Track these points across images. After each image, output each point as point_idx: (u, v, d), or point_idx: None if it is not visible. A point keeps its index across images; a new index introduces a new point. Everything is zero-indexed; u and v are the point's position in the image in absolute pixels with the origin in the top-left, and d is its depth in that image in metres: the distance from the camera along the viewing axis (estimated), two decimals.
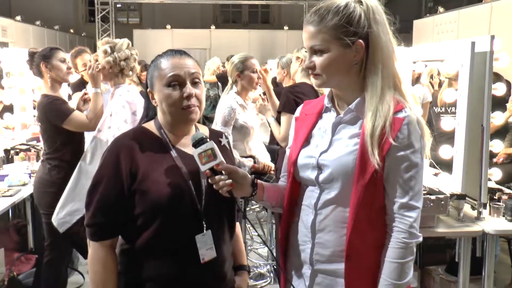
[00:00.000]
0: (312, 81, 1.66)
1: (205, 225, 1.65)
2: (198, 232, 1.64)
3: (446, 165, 3.28)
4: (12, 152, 4.50)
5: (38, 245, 3.97)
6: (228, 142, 1.90)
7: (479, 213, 3.00)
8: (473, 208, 3.09)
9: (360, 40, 1.55)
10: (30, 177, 3.92)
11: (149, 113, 1.80)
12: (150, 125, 1.75)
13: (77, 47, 4.78)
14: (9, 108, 5.11)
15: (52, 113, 3.31)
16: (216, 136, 1.82)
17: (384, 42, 1.56)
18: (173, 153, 1.69)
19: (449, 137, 3.34)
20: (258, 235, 2.13)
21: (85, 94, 3.56)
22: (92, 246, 1.67)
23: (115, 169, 1.62)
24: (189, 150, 1.70)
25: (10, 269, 3.83)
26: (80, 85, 4.59)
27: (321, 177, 1.62)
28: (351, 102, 1.62)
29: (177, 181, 1.64)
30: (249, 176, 1.69)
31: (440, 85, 4.95)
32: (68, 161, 3.32)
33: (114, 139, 1.74)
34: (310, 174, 1.65)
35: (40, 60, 3.40)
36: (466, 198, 3.02)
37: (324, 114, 1.71)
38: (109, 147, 1.70)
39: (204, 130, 1.82)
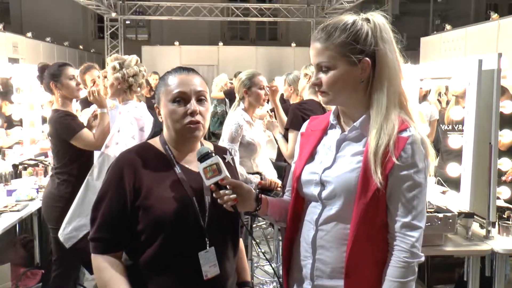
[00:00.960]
0: (319, 98, 1.67)
1: (208, 242, 1.65)
2: (201, 249, 1.64)
3: (453, 183, 3.26)
4: (20, 167, 4.53)
5: (45, 260, 3.97)
6: (233, 159, 1.90)
7: (488, 232, 2.97)
8: (481, 226, 3.06)
9: (367, 58, 1.55)
10: (37, 192, 3.93)
11: (157, 129, 1.81)
12: (155, 141, 1.76)
13: (86, 63, 4.82)
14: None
15: (62, 128, 3.33)
16: (220, 152, 1.82)
17: (390, 60, 1.57)
18: (177, 169, 1.69)
19: (456, 155, 3.32)
20: (263, 252, 2.12)
21: (96, 110, 3.57)
22: (94, 258, 1.67)
23: (118, 185, 1.63)
24: (193, 167, 1.71)
25: (17, 284, 3.83)
26: (88, 101, 4.62)
27: (324, 193, 1.62)
28: (357, 119, 1.62)
29: (181, 197, 1.64)
30: (253, 191, 1.70)
31: (447, 102, 4.94)
32: (77, 176, 3.33)
33: (118, 155, 1.74)
34: (313, 190, 1.65)
35: (50, 79, 3.42)
36: (475, 216, 2.99)
37: (329, 130, 1.71)
38: (113, 163, 1.71)
39: (208, 146, 1.82)
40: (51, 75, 3.43)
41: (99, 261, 1.66)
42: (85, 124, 3.46)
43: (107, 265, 1.64)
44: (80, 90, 3.53)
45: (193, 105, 1.66)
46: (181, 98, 1.66)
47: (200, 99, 1.69)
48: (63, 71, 3.45)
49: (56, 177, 3.41)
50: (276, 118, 4.12)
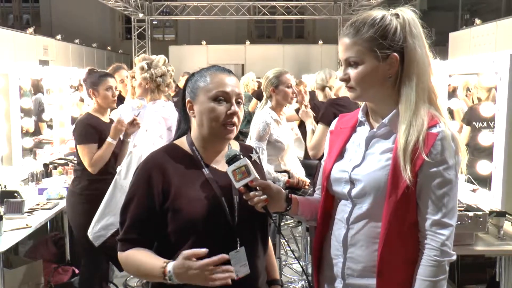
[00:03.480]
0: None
1: (238, 242, 1.65)
2: (231, 249, 1.63)
3: (484, 181, 3.20)
4: (51, 166, 4.62)
5: (75, 257, 4.05)
6: (259, 157, 1.89)
7: None
8: None
9: (395, 54, 1.54)
10: (67, 190, 4.01)
11: (184, 127, 1.80)
12: (182, 142, 1.75)
13: (114, 64, 4.89)
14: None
15: (78, 130, 3.41)
16: (246, 151, 1.82)
17: (419, 56, 1.54)
18: (205, 170, 1.69)
19: (487, 152, 3.26)
20: (292, 250, 2.10)
21: (135, 119, 3.54)
22: (120, 255, 1.67)
23: (147, 187, 1.63)
24: (220, 166, 1.71)
25: (49, 280, 3.90)
26: (117, 100, 4.70)
27: (354, 191, 1.61)
28: (385, 115, 1.60)
29: (210, 198, 1.64)
30: (283, 191, 1.69)
31: (479, 99, 4.85)
32: (91, 175, 3.43)
33: (146, 157, 1.74)
34: (343, 188, 1.64)
35: (89, 86, 3.51)
36: (507, 215, 2.93)
37: (358, 128, 1.70)
38: (141, 165, 1.70)
39: (234, 145, 1.82)
40: (91, 83, 3.50)
41: (123, 254, 1.66)
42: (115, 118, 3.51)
43: (131, 252, 1.63)
44: (115, 101, 3.56)
45: (234, 106, 1.66)
46: (223, 98, 1.65)
47: (238, 101, 1.69)
48: (102, 81, 3.48)
49: (74, 174, 3.55)
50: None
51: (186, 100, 1.72)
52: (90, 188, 3.37)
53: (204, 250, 1.49)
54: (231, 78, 1.70)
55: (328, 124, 3.30)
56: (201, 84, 1.68)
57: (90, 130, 3.41)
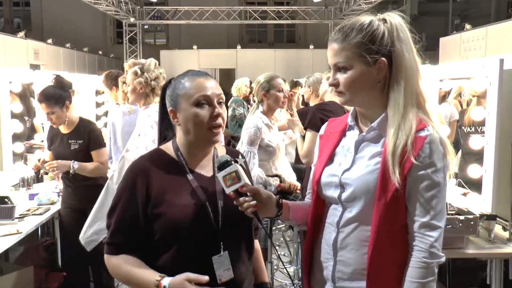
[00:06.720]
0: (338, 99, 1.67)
1: (222, 246, 1.65)
2: (215, 253, 1.64)
3: (475, 185, 3.22)
4: (41, 171, 4.59)
5: (67, 263, 4.02)
6: (245, 162, 1.90)
7: (511, 234, 2.92)
8: (504, 229, 3.02)
9: (383, 58, 1.55)
10: (58, 196, 4.00)
11: (168, 134, 1.81)
12: (168, 147, 1.77)
13: (106, 71, 4.90)
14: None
15: None
16: (233, 155, 1.82)
17: (407, 60, 1.56)
18: (190, 176, 1.70)
19: (477, 157, 3.28)
20: (279, 256, 2.09)
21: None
22: (107, 259, 1.69)
23: (131, 193, 1.65)
24: (205, 172, 1.73)
25: (40, 286, 3.87)
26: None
27: (344, 195, 1.62)
28: (374, 120, 1.62)
29: (194, 204, 1.65)
30: (274, 196, 1.70)
31: (468, 103, 4.88)
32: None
33: (131, 163, 1.76)
34: (333, 193, 1.65)
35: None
36: (497, 218, 2.95)
37: (347, 132, 1.71)
38: (127, 170, 1.73)
39: (220, 149, 1.83)
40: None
41: (112, 260, 1.67)
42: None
43: (122, 260, 1.65)
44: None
45: (217, 107, 1.67)
46: (205, 101, 1.67)
47: (219, 102, 1.70)
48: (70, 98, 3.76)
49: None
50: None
51: (169, 110, 1.74)
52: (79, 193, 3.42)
53: (205, 278, 1.53)
54: (210, 81, 1.71)
55: (316, 130, 3.30)
56: (181, 91, 1.70)
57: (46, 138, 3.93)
